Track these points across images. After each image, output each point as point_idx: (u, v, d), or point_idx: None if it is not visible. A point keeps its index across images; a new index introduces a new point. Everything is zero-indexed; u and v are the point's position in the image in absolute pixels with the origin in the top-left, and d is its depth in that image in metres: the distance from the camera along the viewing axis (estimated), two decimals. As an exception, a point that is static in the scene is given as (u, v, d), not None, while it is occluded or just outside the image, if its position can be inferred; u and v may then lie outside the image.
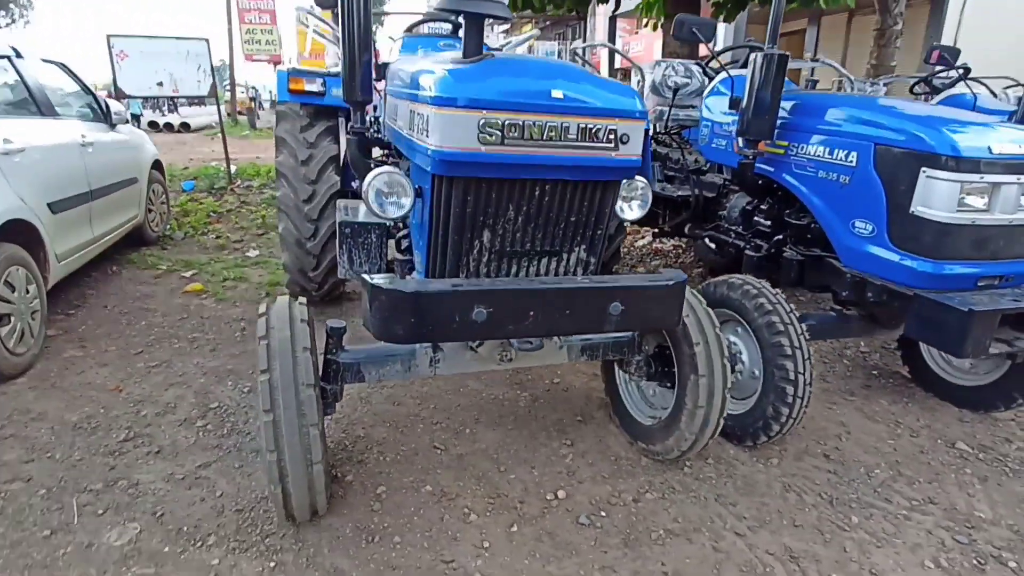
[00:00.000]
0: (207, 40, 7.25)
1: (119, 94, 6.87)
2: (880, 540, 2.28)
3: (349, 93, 2.26)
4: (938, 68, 4.59)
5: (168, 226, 6.00)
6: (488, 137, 1.68)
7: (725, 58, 4.13)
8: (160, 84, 7.02)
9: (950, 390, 3.29)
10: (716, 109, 3.68)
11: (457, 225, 1.87)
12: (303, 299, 2.22)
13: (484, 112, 1.66)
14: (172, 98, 12.54)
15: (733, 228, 3.65)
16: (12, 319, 3.02)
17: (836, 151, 2.76)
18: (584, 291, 1.84)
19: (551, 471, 2.59)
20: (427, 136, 1.75)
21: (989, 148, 2.35)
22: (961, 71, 4.43)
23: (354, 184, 3.92)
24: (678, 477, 2.58)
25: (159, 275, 4.83)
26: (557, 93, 1.72)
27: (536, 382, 3.33)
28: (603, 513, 2.35)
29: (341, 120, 3.95)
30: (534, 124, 1.70)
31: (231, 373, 3.28)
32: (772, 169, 3.16)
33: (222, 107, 8.82)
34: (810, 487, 2.57)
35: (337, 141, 3.79)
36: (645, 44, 18.47)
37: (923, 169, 2.39)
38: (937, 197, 2.37)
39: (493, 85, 1.69)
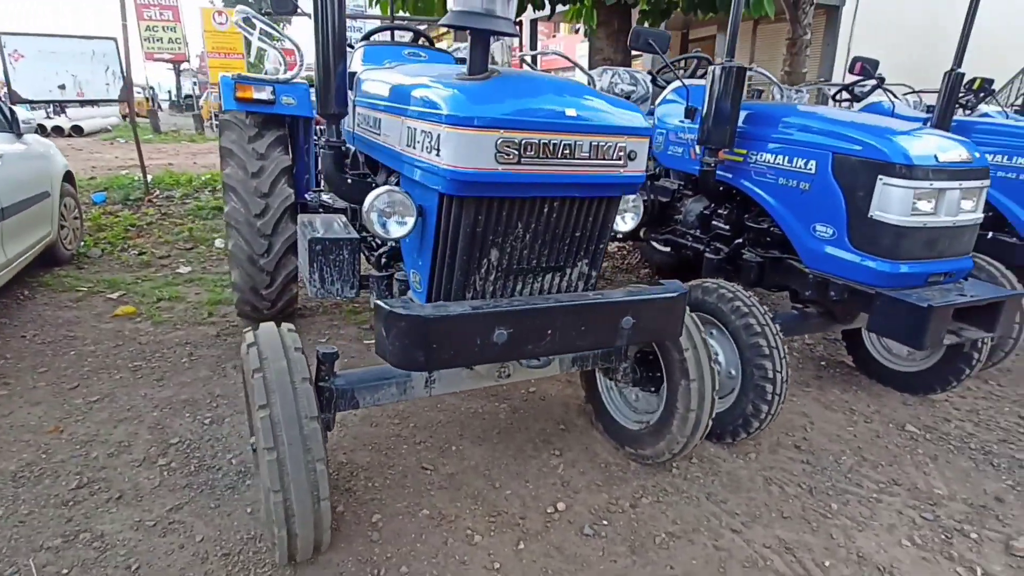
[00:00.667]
0: (115, 39, 6.68)
1: (13, 98, 6.20)
2: (860, 524, 2.43)
3: (324, 106, 2.16)
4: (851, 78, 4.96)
5: (83, 243, 5.49)
6: (505, 156, 1.64)
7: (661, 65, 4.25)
8: (62, 87, 6.39)
9: (892, 376, 3.57)
10: (671, 117, 3.80)
11: (466, 244, 1.82)
12: (290, 325, 2.09)
13: (502, 131, 1.62)
14: (61, 102, 11.39)
15: (690, 232, 3.78)
16: (-74, 359, 2.66)
17: (795, 159, 2.91)
18: (598, 307, 1.84)
19: (545, 483, 2.58)
20: (437, 155, 1.69)
21: (935, 157, 2.56)
22: (877, 80, 4.80)
23: (307, 196, 3.75)
24: (668, 479, 2.64)
25: (80, 298, 4.40)
26: (571, 111, 1.71)
27: (512, 392, 3.31)
28: (605, 522, 2.37)
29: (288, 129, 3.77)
30: (549, 143, 1.68)
31: (187, 404, 3.04)
32: (731, 176, 3.30)
33: (117, 109, 8.13)
34: (789, 478, 2.70)
35: (288, 151, 3.61)
36: (564, 47, 18.81)
37: (880, 177, 2.57)
38: (893, 203, 2.56)
39: (510, 104, 1.65)
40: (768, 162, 3.05)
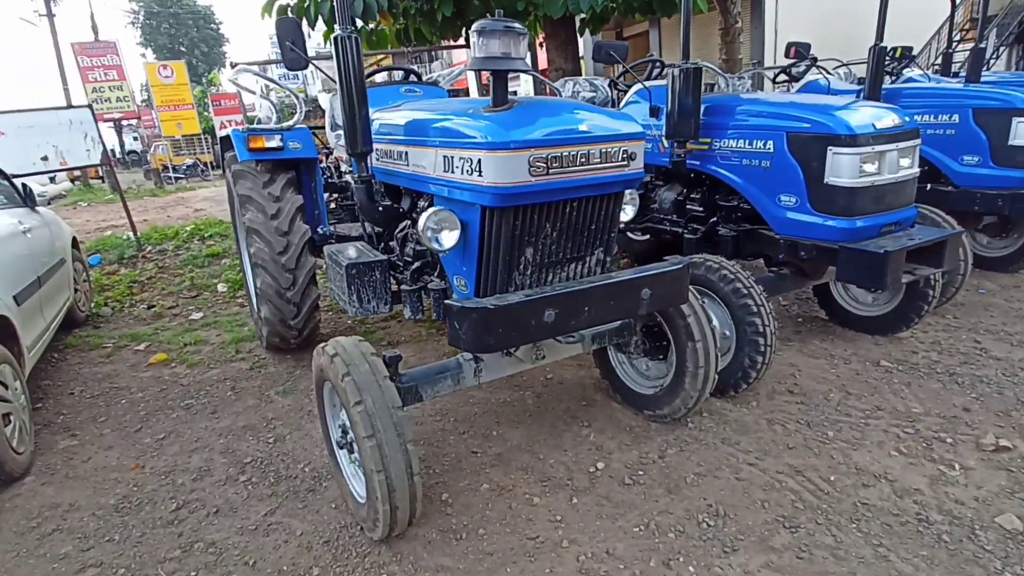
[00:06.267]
0: (90, 107, 6.89)
1: (-2, 174, 6.34)
2: (854, 444, 2.86)
3: (353, 145, 2.51)
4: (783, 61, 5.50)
5: (93, 304, 5.69)
6: (536, 170, 2.03)
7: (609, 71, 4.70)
8: (45, 158, 6.56)
9: (861, 322, 4.05)
10: (636, 117, 4.23)
11: (507, 246, 2.19)
12: (359, 337, 2.43)
13: (532, 150, 2.01)
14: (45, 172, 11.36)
15: (667, 218, 4.21)
16: (11, 417, 2.91)
17: (755, 142, 3.36)
18: (622, 283, 2.24)
19: (582, 450, 2.95)
20: (480, 175, 2.06)
21: (873, 125, 3.03)
22: (810, 61, 5.34)
23: (320, 230, 4.08)
24: (687, 432, 3.03)
25: (110, 353, 4.62)
26: (583, 127, 2.10)
27: (532, 381, 3.67)
28: (641, 472, 2.74)
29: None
30: (569, 154, 2.07)
31: (248, 429, 3.33)
32: (699, 163, 3.74)
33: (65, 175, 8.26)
34: (788, 418, 3.12)
35: (299, 191, 3.93)
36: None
37: (830, 148, 3.03)
38: (844, 168, 3.02)
39: (535, 127, 2.04)
40: (731, 147, 3.50)
